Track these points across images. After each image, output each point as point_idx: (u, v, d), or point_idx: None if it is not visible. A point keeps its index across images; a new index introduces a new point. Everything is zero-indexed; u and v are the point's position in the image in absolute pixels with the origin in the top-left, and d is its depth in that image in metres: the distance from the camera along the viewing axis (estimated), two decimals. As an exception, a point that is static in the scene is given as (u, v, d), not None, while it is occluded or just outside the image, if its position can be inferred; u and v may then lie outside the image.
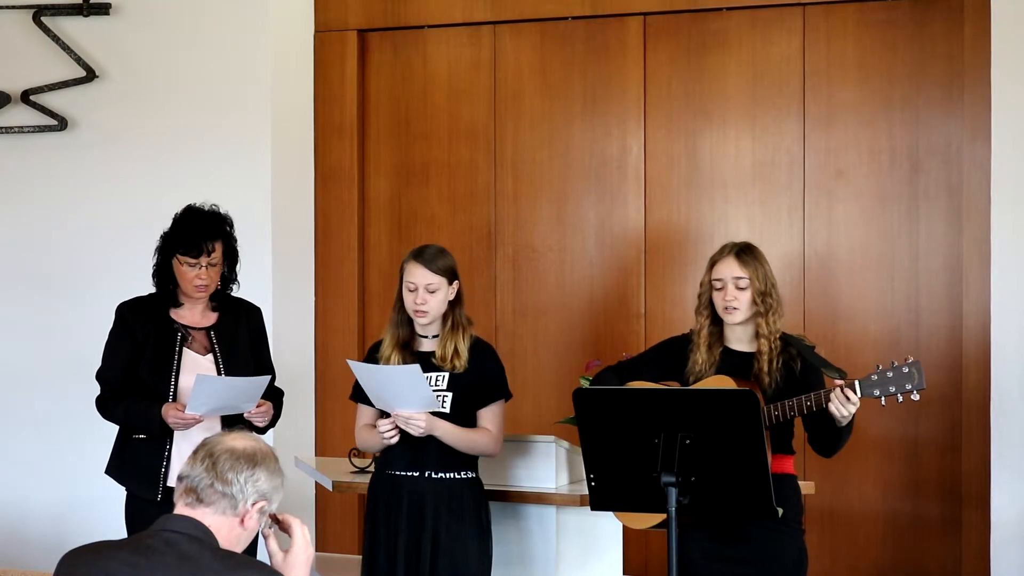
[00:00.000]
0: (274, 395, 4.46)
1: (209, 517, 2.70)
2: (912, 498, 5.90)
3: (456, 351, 4.12)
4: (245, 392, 4.17)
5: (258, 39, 6.29)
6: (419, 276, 4.11)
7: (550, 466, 4.47)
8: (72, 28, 6.41)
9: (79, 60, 6.35)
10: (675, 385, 3.98)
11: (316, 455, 6.43)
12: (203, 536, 2.67)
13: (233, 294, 4.52)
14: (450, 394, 4.10)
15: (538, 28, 6.39)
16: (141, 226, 6.25)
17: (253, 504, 2.73)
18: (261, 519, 2.76)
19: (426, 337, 4.19)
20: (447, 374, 4.12)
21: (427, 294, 4.10)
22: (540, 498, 4.46)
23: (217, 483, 2.70)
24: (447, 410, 4.09)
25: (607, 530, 4.52)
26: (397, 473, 4.14)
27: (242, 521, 2.73)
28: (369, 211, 6.64)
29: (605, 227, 6.28)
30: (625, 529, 4.45)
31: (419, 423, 4.00)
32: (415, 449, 4.10)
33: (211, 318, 4.42)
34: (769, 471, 3.42)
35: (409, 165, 6.58)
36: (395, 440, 4.08)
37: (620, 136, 6.26)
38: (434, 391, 4.07)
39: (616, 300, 6.25)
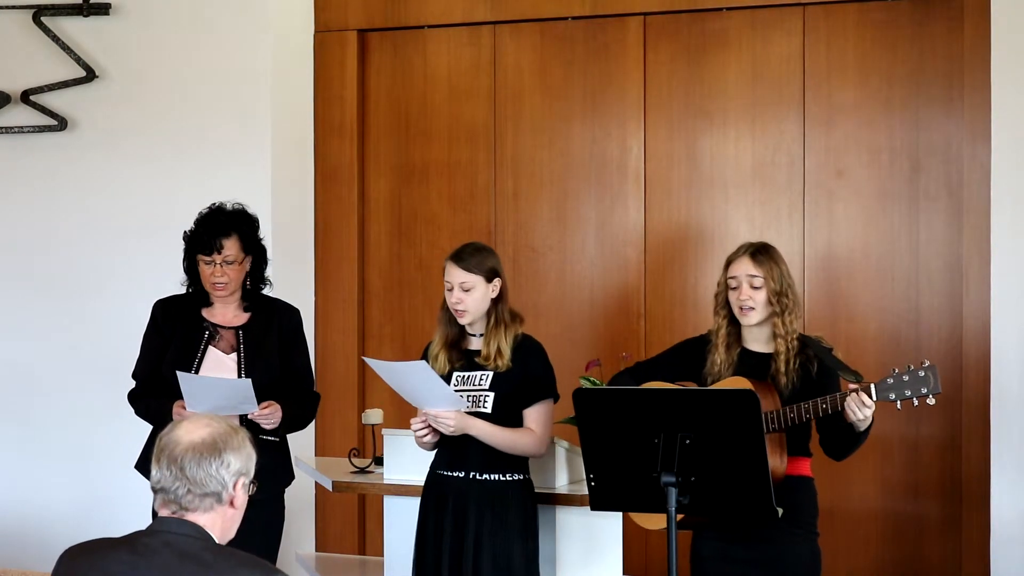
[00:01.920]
0: (301, 398, 4.44)
1: (201, 518, 2.69)
2: (912, 498, 5.89)
3: (499, 349, 4.12)
4: (232, 394, 4.12)
5: (258, 39, 6.29)
6: (454, 275, 4.13)
7: (550, 466, 4.46)
8: (72, 28, 6.40)
9: (79, 60, 6.34)
10: (691, 386, 3.96)
11: (316, 455, 6.42)
12: (200, 535, 2.67)
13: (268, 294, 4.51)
14: (492, 393, 4.10)
15: (538, 28, 6.38)
16: (141, 226, 6.29)
17: (235, 485, 2.72)
18: (245, 492, 2.75)
19: (475, 336, 4.19)
20: (491, 373, 4.11)
21: (462, 293, 4.10)
22: (540, 498, 4.45)
23: (193, 488, 2.67)
24: (488, 410, 4.08)
25: (607, 530, 4.51)
26: (444, 473, 4.15)
27: (231, 504, 2.73)
28: (369, 211, 6.64)
29: (605, 227, 6.27)
30: (625, 529, 4.45)
31: (448, 421, 4.00)
32: (456, 449, 4.11)
33: (243, 318, 4.41)
34: (769, 472, 3.42)
35: (409, 165, 6.58)
36: (428, 439, 4.10)
37: (620, 136, 6.25)
38: (476, 390, 4.07)
39: (616, 300, 6.24)
